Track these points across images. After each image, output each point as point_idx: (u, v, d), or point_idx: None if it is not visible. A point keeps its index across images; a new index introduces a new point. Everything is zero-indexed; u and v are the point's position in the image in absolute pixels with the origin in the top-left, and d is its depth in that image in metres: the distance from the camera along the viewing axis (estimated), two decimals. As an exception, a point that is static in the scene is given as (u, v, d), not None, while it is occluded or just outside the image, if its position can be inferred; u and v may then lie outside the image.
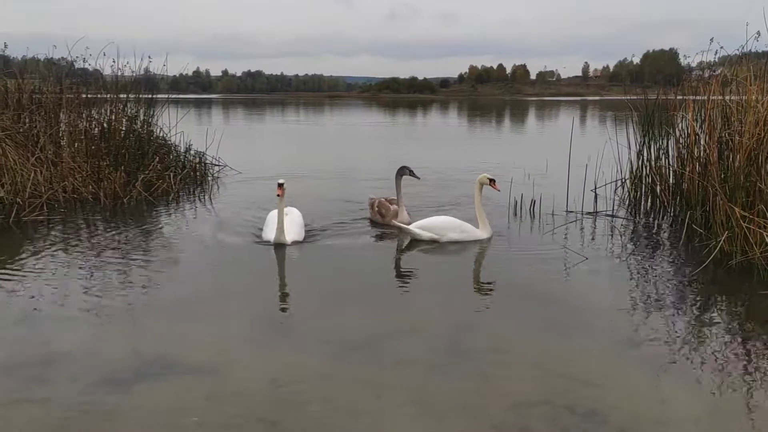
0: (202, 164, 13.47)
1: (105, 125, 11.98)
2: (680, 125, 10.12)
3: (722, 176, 8.29)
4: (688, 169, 9.39)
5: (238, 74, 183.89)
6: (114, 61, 12.99)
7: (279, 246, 7.95)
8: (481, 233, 8.49)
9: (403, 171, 9.41)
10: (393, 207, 9.35)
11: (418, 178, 9.58)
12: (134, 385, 4.43)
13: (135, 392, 4.33)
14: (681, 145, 9.96)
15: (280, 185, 8.00)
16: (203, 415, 4.01)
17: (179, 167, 12.58)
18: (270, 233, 8.16)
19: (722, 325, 5.67)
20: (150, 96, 12.76)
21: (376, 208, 9.45)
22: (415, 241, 8.43)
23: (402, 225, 8.70)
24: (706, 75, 10.84)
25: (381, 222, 9.33)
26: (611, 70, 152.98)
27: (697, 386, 4.46)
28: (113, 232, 8.83)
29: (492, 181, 8.55)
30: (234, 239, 8.61)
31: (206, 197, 11.92)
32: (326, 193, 12.26)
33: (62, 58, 13.72)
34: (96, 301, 6.08)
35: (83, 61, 13.37)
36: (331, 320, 5.72)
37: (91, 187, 11.07)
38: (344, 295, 6.46)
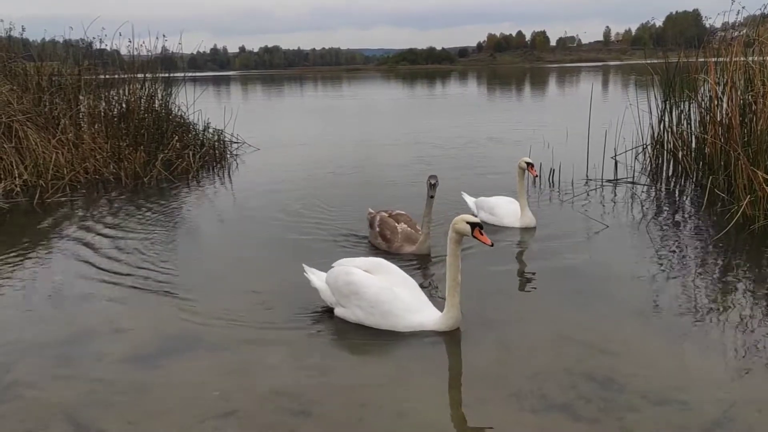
0: (221, 142, 13.54)
1: (124, 106, 12.09)
2: (702, 89, 9.94)
3: (745, 140, 8.15)
4: (710, 133, 9.23)
5: (256, 50, 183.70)
6: (130, 41, 13.06)
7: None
8: (518, 221, 7.73)
9: (428, 181, 6.61)
10: (401, 226, 6.90)
11: (431, 196, 6.58)
12: (158, 360, 4.53)
13: (158, 368, 4.43)
14: (703, 109, 9.79)
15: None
16: (224, 389, 4.09)
17: (198, 146, 12.66)
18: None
19: (744, 289, 5.61)
20: (167, 75, 12.81)
21: (377, 228, 6.97)
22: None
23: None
24: (729, 36, 10.59)
25: (385, 249, 6.83)
26: (633, 33, 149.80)
27: (718, 352, 4.44)
28: (135, 212, 8.94)
29: (530, 166, 7.78)
30: (254, 215, 8.69)
31: (225, 175, 12.01)
32: (342, 184, 11.03)
33: (81, 39, 13.81)
34: (120, 279, 6.19)
35: (100, 42, 13.48)
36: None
37: (112, 167, 11.21)
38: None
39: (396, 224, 6.89)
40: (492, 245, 4.79)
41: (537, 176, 8.83)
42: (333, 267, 5.31)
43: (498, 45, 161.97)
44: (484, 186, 9.46)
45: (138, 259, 6.83)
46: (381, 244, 6.88)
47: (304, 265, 5.53)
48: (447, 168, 11.72)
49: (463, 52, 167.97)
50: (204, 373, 4.32)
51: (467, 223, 4.75)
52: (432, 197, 6.54)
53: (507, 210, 7.84)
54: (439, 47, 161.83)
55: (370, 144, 16.13)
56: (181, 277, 6.30)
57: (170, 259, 6.83)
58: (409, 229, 6.88)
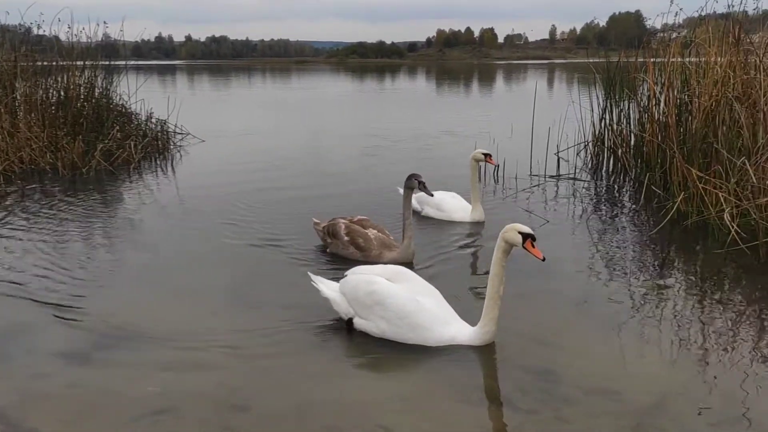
0: (164, 133, 13.24)
1: (62, 93, 11.70)
2: (641, 88, 10.23)
3: (681, 138, 8.43)
4: (648, 131, 9.52)
5: (202, 40, 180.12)
6: (69, 27, 12.66)
7: None
8: (468, 215, 7.75)
9: (411, 182, 6.39)
10: (372, 233, 6.42)
11: (431, 194, 6.84)
12: (93, 355, 4.41)
13: (94, 363, 4.32)
14: (641, 108, 10.08)
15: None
16: (163, 385, 4.01)
17: (140, 136, 12.35)
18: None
19: (677, 284, 5.81)
20: (108, 63, 12.46)
21: (346, 237, 6.41)
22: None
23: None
24: (670, 37, 10.93)
25: (359, 259, 6.22)
26: (578, 33, 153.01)
27: (652, 344, 4.58)
28: (72, 203, 8.66)
29: (488, 156, 7.81)
30: (196, 207, 8.53)
31: (168, 166, 11.76)
32: (288, 185, 10.31)
33: (18, 24, 13.33)
34: (53, 273, 5.99)
35: (38, 28, 13.02)
36: (288, 285, 5.71)
37: (48, 157, 10.85)
38: (308, 262, 6.45)
39: (364, 230, 6.42)
40: (544, 260, 4.33)
41: (497, 165, 8.82)
42: (347, 275, 4.95)
43: (447, 40, 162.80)
44: (429, 180, 9.49)
45: (73, 251, 6.64)
46: (354, 253, 6.32)
47: (310, 273, 5.16)
48: (391, 162, 11.80)
49: (412, 46, 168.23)
50: (142, 369, 4.22)
51: (519, 233, 4.33)
52: (410, 191, 6.35)
53: (455, 205, 7.87)
54: (388, 41, 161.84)
55: (317, 137, 16.08)
56: (119, 270, 6.14)
57: (107, 252, 6.66)
58: (380, 234, 6.42)
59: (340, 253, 6.46)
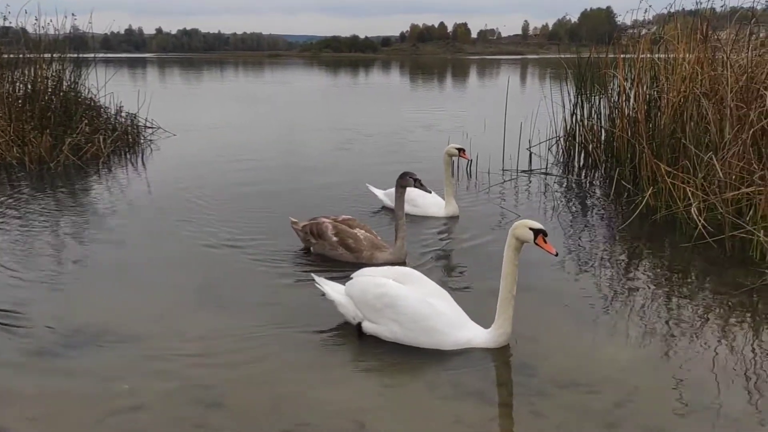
0: (134, 127, 13.05)
1: (29, 87, 11.46)
2: (612, 84, 10.34)
3: (650, 134, 8.55)
4: (618, 127, 9.64)
5: (173, 32, 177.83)
6: (36, 19, 12.40)
7: None
8: (442, 210, 7.80)
9: (405, 181, 6.32)
10: (360, 233, 6.26)
11: (430, 191, 6.83)
12: (62, 354, 4.34)
13: (63, 362, 4.25)
14: (612, 104, 10.20)
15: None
16: (133, 383, 3.96)
17: (109, 130, 12.16)
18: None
19: (646, 277, 5.91)
20: (77, 55, 12.24)
21: (334, 238, 6.24)
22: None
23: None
24: (640, 33, 11.07)
25: (351, 261, 6.12)
26: (550, 28, 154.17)
27: (622, 337, 4.66)
28: (40, 198, 8.51)
29: (461, 151, 7.87)
30: (166, 204, 8.42)
31: (138, 161, 11.60)
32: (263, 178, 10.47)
33: (-14, 16, 12.99)
34: (19, 269, 5.89)
35: (3, 19, 12.73)
36: (264, 279, 5.69)
37: (15, 151, 10.64)
38: (278, 258, 6.41)
39: (353, 230, 6.25)
40: (557, 255, 4.33)
41: (470, 160, 8.82)
42: (353, 278, 4.78)
43: (421, 35, 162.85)
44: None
45: (42, 248, 6.52)
46: (345, 255, 6.17)
47: (313, 275, 5.00)
48: (364, 157, 11.80)
49: (386, 41, 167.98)
50: (112, 367, 4.16)
51: (530, 229, 4.24)
52: (403, 190, 6.23)
53: (429, 200, 7.82)
54: (362, 36, 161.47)
55: (291, 131, 15.99)
56: (87, 268, 6.05)
57: (77, 249, 6.55)
58: (369, 235, 6.27)
59: (327, 254, 6.27)
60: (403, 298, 4.41)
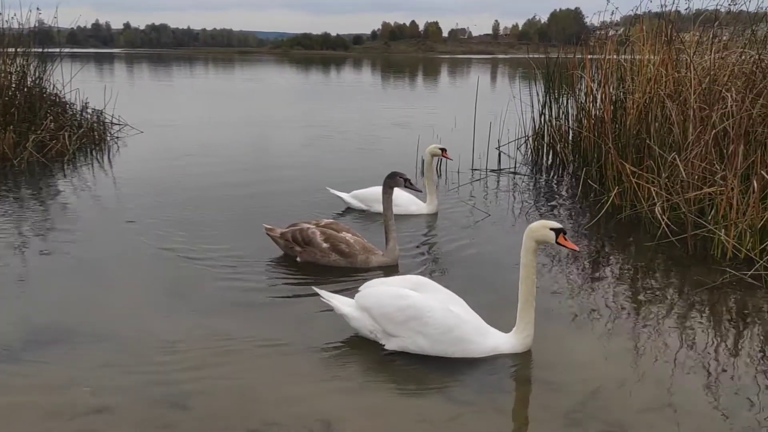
0: (101, 123, 12.85)
1: (-9, 82, 11.19)
2: (579, 84, 10.47)
3: (615, 134, 8.68)
4: (585, 127, 9.77)
5: (142, 27, 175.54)
6: (0, 13, 12.12)
7: None
8: (424, 208, 7.90)
9: (395, 181, 6.28)
10: (347, 236, 6.10)
11: (420, 191, 7.08)
12: (23, 354, 4.26)
13: (24, 362, 4.16)
14: (579, 104, 10.33)
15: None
16: (96, 385, 3.90)
17: (75, 127, 11.95)
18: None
19: (611, 275, 6.00)
20: (41, 50, 12.00)
21: (325, 244, 6.02)
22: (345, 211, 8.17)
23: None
24: (608, 34, 11.20)
25: (345, 266, 6.04)
26: (520, 28, 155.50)
27: (586, 333, 4.73)
28: (2, 197, 8.33)
29: (444, 151, 8.05)
30: (133, 203, 8.30)
31: (105, 158, 11.42)
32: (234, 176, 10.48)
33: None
34: (-18, 269, 5.76)
35: (-33, 14, 12.39)
36: (231, 282, 5.65)
37: (-24, 148, 10.38)
38: (244, 259, 6.37)
39: (340, 234, 6.08)
40: (579, 250, 4.25)
41: (451, 160, 8.85)
42: (361, 290, 4.57)
43: (392, 34, 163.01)
44: (374, 173, 9.50)
45: (5, 247, 6.38)
46: (338, 260, 6.01)
47: (317, 289, 4.74)
48: (336, 155, 11.78)
49: (357, 39, 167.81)
50: (75, 368, 4.10)
51: (551, 229, 4.21)
52: (390, 190, 6.15)
53: (407, 198, 7.85)
54: (333, 33, 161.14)
55: (261, 129, 15.90)
56: (52, 266, 5.95)
57: (41, 248, 6.42)
58: (357, 238, 6.13)
59: (319, 261, 6.05)
60: (428, 309, 4.25)
